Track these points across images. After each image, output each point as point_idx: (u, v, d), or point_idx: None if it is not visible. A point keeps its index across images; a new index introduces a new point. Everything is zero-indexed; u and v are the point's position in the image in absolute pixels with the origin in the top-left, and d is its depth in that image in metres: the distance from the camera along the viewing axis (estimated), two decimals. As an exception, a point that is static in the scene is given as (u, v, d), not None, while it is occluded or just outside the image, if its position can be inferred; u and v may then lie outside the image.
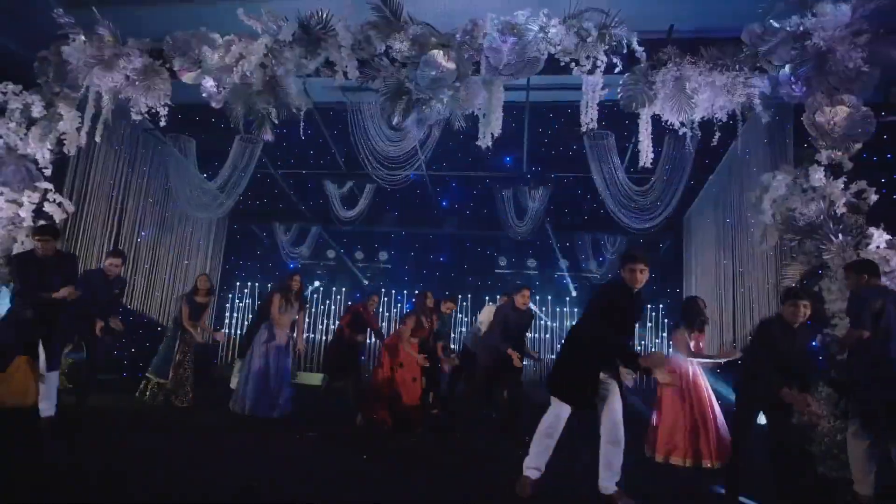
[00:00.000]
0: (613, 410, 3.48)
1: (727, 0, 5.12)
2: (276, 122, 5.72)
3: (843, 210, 4.52)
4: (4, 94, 5.69)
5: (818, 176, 4.59)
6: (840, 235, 4.49)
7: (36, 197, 5.60)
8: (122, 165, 6.91)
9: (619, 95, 5.25)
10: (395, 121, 5.60)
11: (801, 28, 4.83)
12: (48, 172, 5.76)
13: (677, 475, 4.52)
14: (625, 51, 5.13)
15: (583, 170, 7.52)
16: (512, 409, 5.60)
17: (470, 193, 8.65)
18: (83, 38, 5.70)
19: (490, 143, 5.53)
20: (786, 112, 5.36)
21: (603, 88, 5.19)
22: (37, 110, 5.64)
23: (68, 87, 5.90)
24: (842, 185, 4.58)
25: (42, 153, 5.68)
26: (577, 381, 3.45)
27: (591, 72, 5.15)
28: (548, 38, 5.19)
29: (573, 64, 5.18)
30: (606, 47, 5.16)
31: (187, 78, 5.74)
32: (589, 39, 5.13)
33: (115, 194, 6.81)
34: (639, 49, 5.11)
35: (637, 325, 4.29)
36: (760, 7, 4.93)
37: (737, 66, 4.90)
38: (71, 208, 5.83)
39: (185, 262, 8.15)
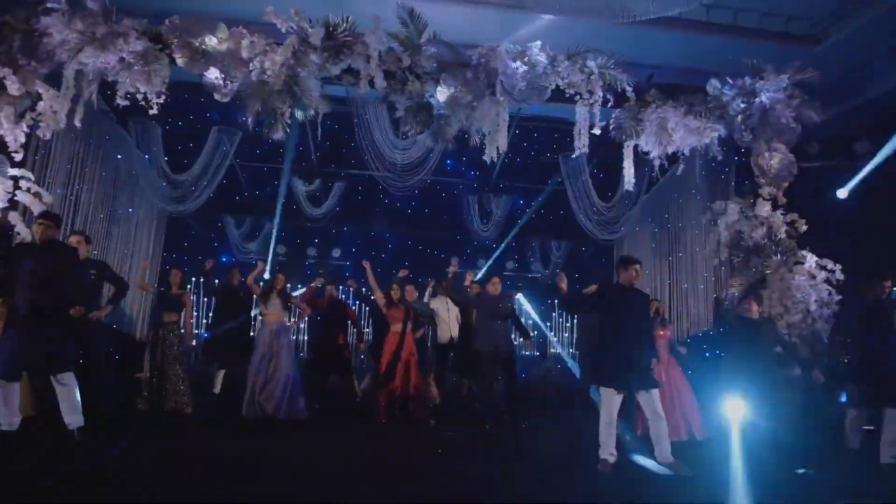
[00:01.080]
0: (648, 390, 4.24)
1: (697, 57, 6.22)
2: (289, 121, 5.67)
3: (782, 235, 5.82)
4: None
5: (766, 208, 5.83)
6: (778, 255, 5.77)
7: (9, 185, 4.94)
8: (81, 150, 6.21)
9: (612, 127, 6.08)
10: (411, 133, 5.89)
11: (751, 87, 6.06)
12: (18, 157, 5.09)
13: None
14: (618, 89, 5.96)
15: (546, 181, 8.38)
16: (511, 393, 6.24)
17: (435, 197, 9.06)
18: (66, 8, 5.12)
19: (495, 158, 6.06)
20: (728, 152, 6.59)
21: (601, 120, 5.98)
22: (13, 87, 4.95)
23: (37, 62, 5.25)
24: (781, 216, 5.87)
25: (15, 136, 5.02)
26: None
27: (592, 105, 5.90)
28: (556, 71, 5.84)
29: (577, 96, 5.88)
30: (602, 84, 5.95)
31: (188, 65, 5.44)
32: (592, 77, 5.87)
33: (74, 185, 6.11)
34: (629, 88, 5.97)
35: None
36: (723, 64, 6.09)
37: (706, 113, 5.98)
38: (48, 198, 5.20)
39: (131, 256, 7.48)
